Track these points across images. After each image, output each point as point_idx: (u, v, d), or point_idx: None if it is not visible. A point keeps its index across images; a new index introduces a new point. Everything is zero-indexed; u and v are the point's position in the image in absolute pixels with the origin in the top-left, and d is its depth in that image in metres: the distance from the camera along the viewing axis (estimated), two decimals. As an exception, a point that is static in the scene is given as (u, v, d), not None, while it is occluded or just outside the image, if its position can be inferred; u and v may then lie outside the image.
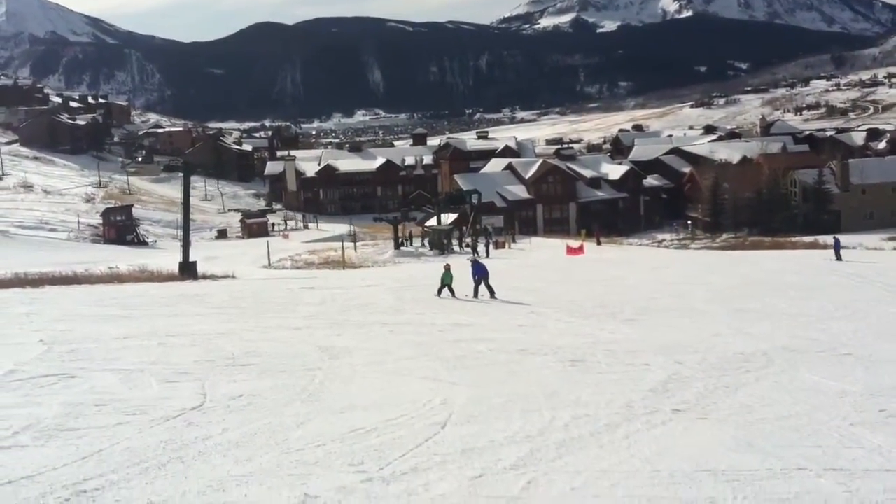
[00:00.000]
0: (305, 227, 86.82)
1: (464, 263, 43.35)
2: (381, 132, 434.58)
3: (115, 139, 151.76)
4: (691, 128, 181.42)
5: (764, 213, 69.26)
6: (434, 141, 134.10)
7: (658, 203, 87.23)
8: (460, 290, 22.10)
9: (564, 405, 9.03)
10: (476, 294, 23.04)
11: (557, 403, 9.11)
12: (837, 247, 38.35)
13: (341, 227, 75.56)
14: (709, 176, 76.99)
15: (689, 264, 36.89)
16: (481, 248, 51.20)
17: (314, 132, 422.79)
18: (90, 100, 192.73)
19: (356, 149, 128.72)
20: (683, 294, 22.46)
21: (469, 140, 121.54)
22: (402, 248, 53.61)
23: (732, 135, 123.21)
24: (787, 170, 73.18)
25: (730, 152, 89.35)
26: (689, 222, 77.47)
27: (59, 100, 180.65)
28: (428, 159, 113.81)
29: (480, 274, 23.34)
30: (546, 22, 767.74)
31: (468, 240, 57.83)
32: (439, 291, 23.31)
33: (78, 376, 10.27)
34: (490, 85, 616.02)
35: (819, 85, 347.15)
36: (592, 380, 10.44)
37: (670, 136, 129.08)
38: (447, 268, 24.02)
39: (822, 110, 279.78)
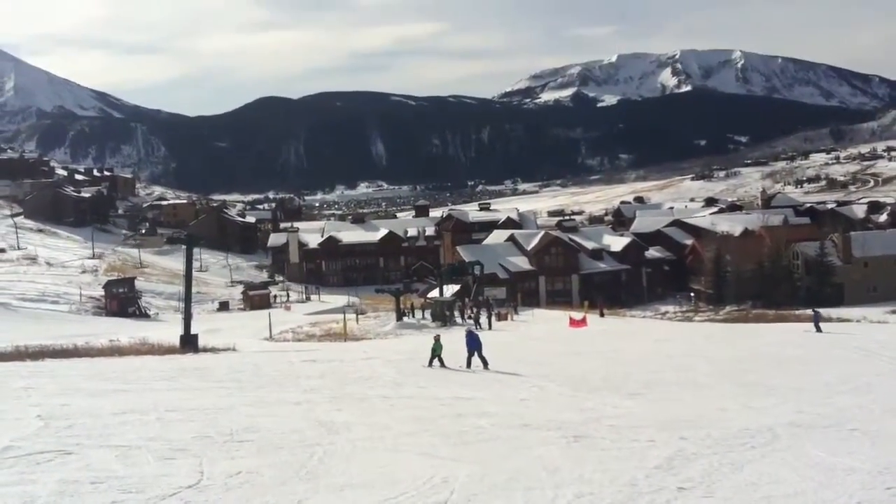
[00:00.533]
0: (307, 298, 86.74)
1: (463, 335, 43.10)
2: (383, 204, 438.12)
3: (120, 211, 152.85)
4: (692, 200, 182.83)
5: (767, 285, 69.17)
6: (436, 212, 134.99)
7: (660, 275, 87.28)
8: (453, 362, 22.02)
9: (568, 483, 8.88)
10: (469, 364, 23.21)
11: (560, 481, 8.96)
12: (817, 319, 39.22)
13: (343, 299, 75.47)
14: (711, 248, 77.16)
15: (693, 337, 36.72)
16: (483, 319, 51.00)
17: (317, 204, 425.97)
18: (95, 173, 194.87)
19: (359, 220, 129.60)
20: (687, 367, 22.29)
21: (471, 212, 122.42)
22: (404, 319, 53.41)
23: (734, 207, 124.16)
24: (788, 242, 73.39)
25: (731, 224, 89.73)
26: (692, 294, 77.41)
27: (64, 173, 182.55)
28: (430, 231, 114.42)
29: (474, 345, 23.51)
30: (547, 96, 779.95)
31: (470, 311, 57.67)
32: (430, 362, 23.49)
33: (75, 453, 10.14)
34: (492, 157, 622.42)
35: (819, 158, 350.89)
36: (596, 456, 10.29)
37: (671, 208, 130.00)
38: (437, 338, 24.29)
39: (823, 183, 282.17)
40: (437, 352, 23.45)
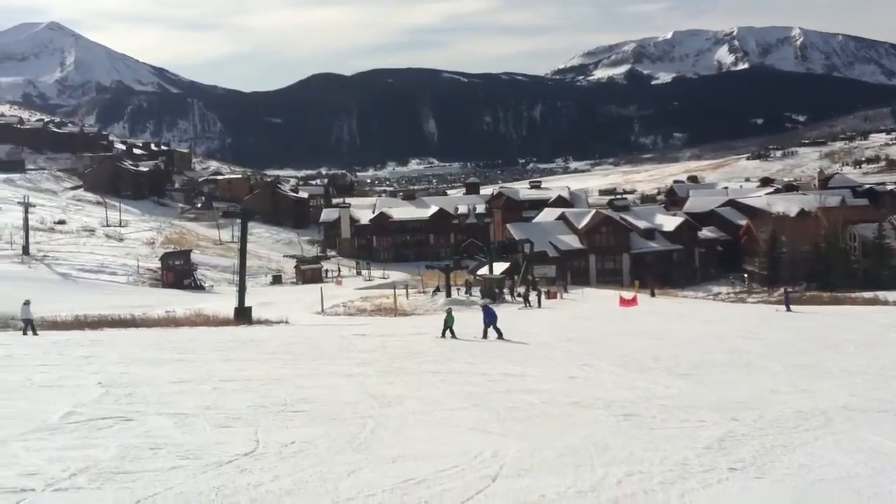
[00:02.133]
0: (358, 273, 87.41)
1: (514, 312, 43.24)
2: (434, 181, 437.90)
3: (176, 185, 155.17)
4: (747, 180, 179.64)
5: (822, 267, 67.89)
6: (487, 190, 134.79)
7: (713, 255, 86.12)
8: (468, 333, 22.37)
9: (617, 461, 8.90)
10: (485, 335, 25.31)
11: (610, 459, 8.98)
12: (788, 299, 42.22)
13: (394, 275, 75.96)
14: (765, 229, 75.89)
15: (746, 318, 36.22)
16: (533, 297, 50.94)
17: (369, 180, 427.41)
18: (153, 147, 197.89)
19: (410, 197, 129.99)
20: (739, 349, 22.04)
21: (522, 190, 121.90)
22: (460, 295, 53.67)
23: (790, 187, 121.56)
24: (846, 224, 71.76)
25: (787, 205, 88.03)
26: (746, 275, 76.28)
27: (123, 147, 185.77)
28: (481, 208, 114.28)
29: (490, 318, 25.68)
30: (600, 74, 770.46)
31: (520, 289, 57.63)
32: (443, 333, 25.40)
33: (134, 419, 10.44)
34: (543, 135, 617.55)
35: (878, 138, 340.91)
36: (646, 435, 10.28)
37: (726, 188, 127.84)
38: (449, 311, 26.86)
39: (883, 164, 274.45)
40: (448, 323, 25.34)
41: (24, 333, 25.81)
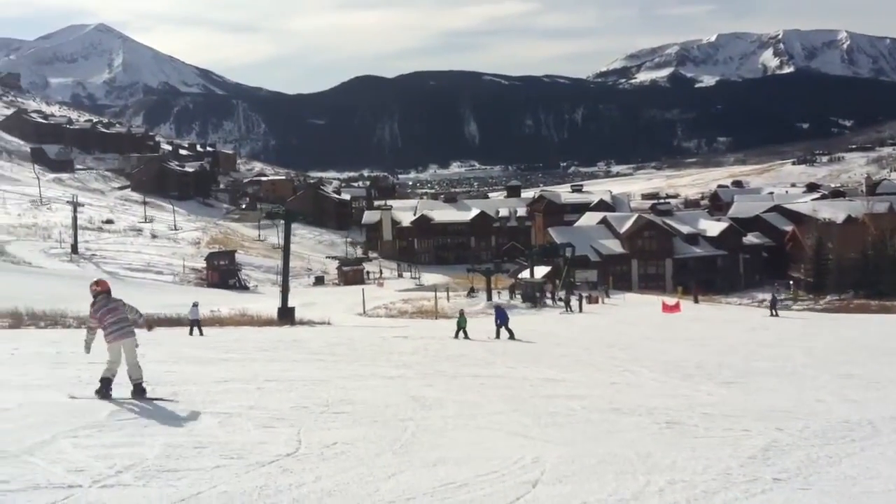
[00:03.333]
0: (400, 275, 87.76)
1: (555, 317, 43.10)
2: (475, 184, 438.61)
3: (221, 186, 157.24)
4: (793, 185, 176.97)
5: (870, 275, 66.69)
6: (528, 193, 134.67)
7: (758, 261, 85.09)
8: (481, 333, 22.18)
9: (659, 469, 8.83)
10: (498, 335, 26.82)
11: (652, 467, 8.92)
12: (773, 303, 42.84)
13: (435, 277, 76.16)
14: (812, 235, 74.80)
15: (791, 326, 35.71)
16: (574, 302, 50.77)
17: (410, 182, 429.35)
18: (198, 148, 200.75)
19: (451, 200, 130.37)
20: (784, 357, 21.74)
21: (563, 193, 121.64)
22: (513, 296, 53.74)
23: (836, 193, 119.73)
24: (894, 231, 70.45)
25: (834, 211, 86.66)
26: (791, 282, 75.22)
27: (169, 147, 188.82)
28: (522, 212, 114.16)
29: (502, 319, 27.31)
30: (643, 77, 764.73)
31: (561, 293, 57.45)
32: (456, 334, 26.74)
33: (179, 417, 10.58)
34: (585, 138, 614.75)
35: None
36: (689, 443, 10.18)
37: (771, 193, 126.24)
38: (461, 313, 28.54)
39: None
40: (461, 325, 26.82)
41: (191, 333, 27.06)
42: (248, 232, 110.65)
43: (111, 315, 11.42)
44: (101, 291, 11.64)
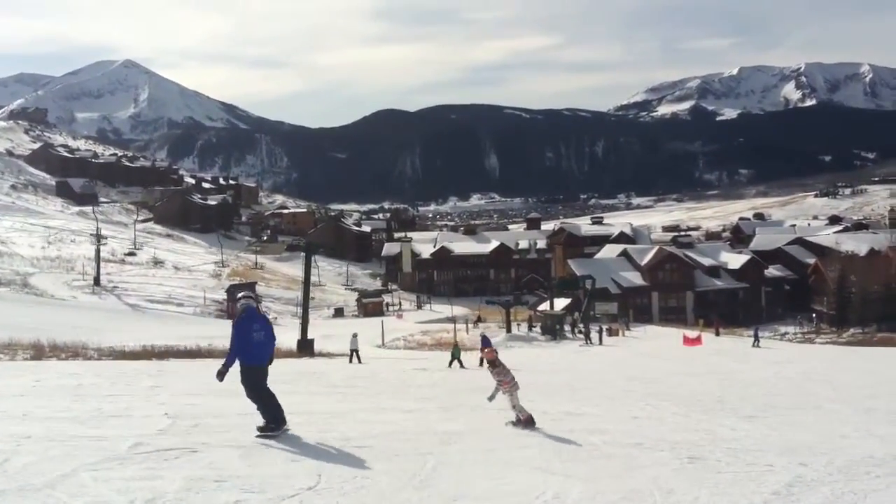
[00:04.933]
0: (419, 307, 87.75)
1: (575, 349, 42.83)
2: (495, 216, 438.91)
3: (243, 219, 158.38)
4: (815, 218, 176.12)
5: (894, 308, 65.98)
6: (548, 226, 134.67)
7: (781, 294, 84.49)
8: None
9: (682, 505, 8.74)
10: (482, 363, 26.63)
11: (675, 503, 8.82)
12: (756, 334, 44.59)
13: (455, 309, 76.04)
14: (834, 268, 74.24)
15: (814, 360, 35.32)
16: (594, 334, 50.52)
17: (431, 215, 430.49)
18: (221, 181, 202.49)
19: (471, 232, 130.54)
20: (808, 391, 21.50)
21: (583, 225, 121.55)
22: (529, 331, 53.58)
23: (859, 226, 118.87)
24: (918, 263, 69.85)
25: (857, 244, 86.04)
26: (814, 315, 74.53)
27: (192, 181, 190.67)
28: (541, 244, 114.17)
29: (487, 346, 26.71)
30: (664, 109, 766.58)
31: (581, 325, 57.19)
32: (450, 363, 28.66)
33: (200, 451, 10.57)
34: (606, 171, 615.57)
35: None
36: (711, 479, 10.07)
37: (793, 225, 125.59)
38: (456, 344, 31.78)
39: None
40: (455, 355, 29.03)
41: (350, 361, 30.68)
42: (269, 264, 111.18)
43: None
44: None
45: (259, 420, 11.50)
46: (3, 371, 20.76)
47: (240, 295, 12.64)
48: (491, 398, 13.82)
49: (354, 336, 32.46)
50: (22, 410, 13.34)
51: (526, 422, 13.37)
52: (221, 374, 11.25)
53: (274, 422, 11.31)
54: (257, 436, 11.10)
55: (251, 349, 11.30)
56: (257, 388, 11.38)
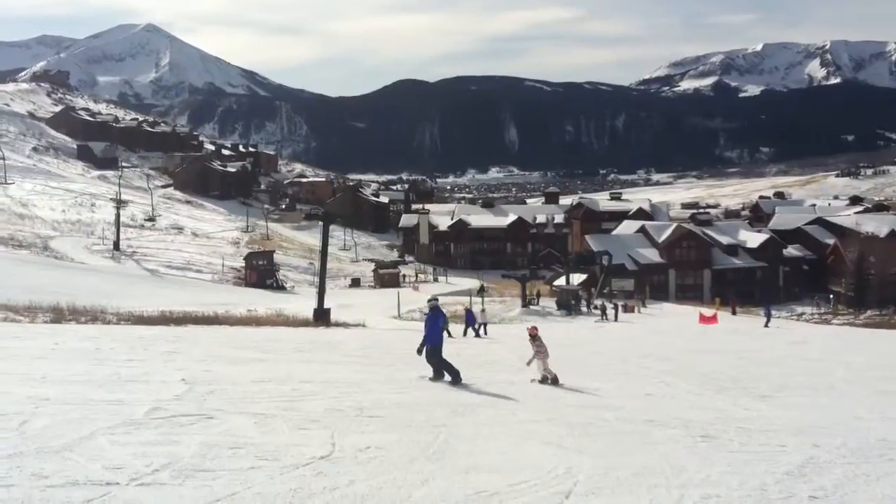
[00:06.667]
0: (435, 279, 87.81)
1: (590, 325, 42.84)
2: (513, 189, 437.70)
3: (262, 187, 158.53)
4: (836, 198, 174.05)
5: (913, 291, 65.55)
6: (566, 200, 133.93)
7: (799, 274, 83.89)
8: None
9: (693, 483, 8.76)
10: (465, 334, 32.13)
11: (686, 481, 8.84)
12: (768, 313, 44.98)
13: (470, 282, 76.00)
14: (854, 249, 73.62)
15: (830, 340, 35.17)
16: (610, 310, 50.45)
17: (449, 187, 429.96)
18: (241, 148, 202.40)
19: (488, 205, 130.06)
20: (823, 372, 21.44)
21: (602, 201, 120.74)
22: (529, 306, 53.40)
23: (880, 207, 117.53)
24: (939, 246, 69.19)
25: (877, 225, 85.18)
26: (832, 296, 74.08)
27: (212, 147, 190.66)
28: (559, 218, 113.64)
29: (470, 321, 33.55)
30: (686, 85, 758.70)
31: (597, 301, 57.09)
32: (464, 332, 32.26)
33: (215, 417, 10.68)
34: (626, 146, 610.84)
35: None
36: (724, 458, 10.08)
37: (814, 205, 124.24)
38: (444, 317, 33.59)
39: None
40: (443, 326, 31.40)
41: (464, 334, 32.43)
42: (287, 232, 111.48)
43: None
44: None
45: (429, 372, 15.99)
46: (23, 333, 21.00)
47: (429, 298, 18.67)
48: (529, 363, 16.80)
49: (483, 311, 36.13)
50: (41, 373, 13.50)
51: (553, 380, 16.27)
52: (419, 351, 15.98)
53: (455, 376, 15.49)
54: (449, 382, 15.40)
55: (436, 333, 15.83)
56: (439, 358, 15.70)
